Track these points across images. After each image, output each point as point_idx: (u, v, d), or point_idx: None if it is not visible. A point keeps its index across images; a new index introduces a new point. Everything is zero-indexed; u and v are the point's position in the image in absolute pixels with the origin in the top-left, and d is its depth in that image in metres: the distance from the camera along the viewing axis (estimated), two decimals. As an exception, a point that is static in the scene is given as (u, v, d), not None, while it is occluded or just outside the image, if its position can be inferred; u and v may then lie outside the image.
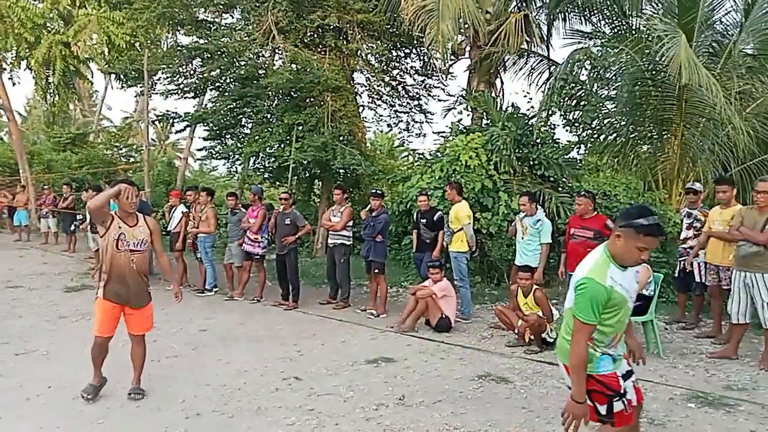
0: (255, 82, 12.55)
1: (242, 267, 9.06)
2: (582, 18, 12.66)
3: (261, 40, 12.67)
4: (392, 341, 6.66)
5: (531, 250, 7.11)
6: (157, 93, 15.22)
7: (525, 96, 17.04)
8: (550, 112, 10.41)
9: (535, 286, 6.51)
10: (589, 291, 2.73)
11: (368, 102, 15.20)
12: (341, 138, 12.43)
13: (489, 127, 10.32)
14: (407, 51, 14.70)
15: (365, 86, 14.82)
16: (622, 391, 2.86)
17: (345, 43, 12.85)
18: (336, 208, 8.43)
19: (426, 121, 15.66)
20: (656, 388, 4.98)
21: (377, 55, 13.97)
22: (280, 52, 13.08)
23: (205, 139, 14.71)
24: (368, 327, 7.29)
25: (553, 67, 12.49)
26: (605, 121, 11.30)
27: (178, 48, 14.17)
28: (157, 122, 19.02)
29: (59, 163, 21.24)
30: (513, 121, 9.98)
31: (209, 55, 13.07)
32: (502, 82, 13.80)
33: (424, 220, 7.95)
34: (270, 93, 12.79)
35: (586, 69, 10.61)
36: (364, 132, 15.15)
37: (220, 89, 14.04)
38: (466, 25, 11.65)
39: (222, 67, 12.93)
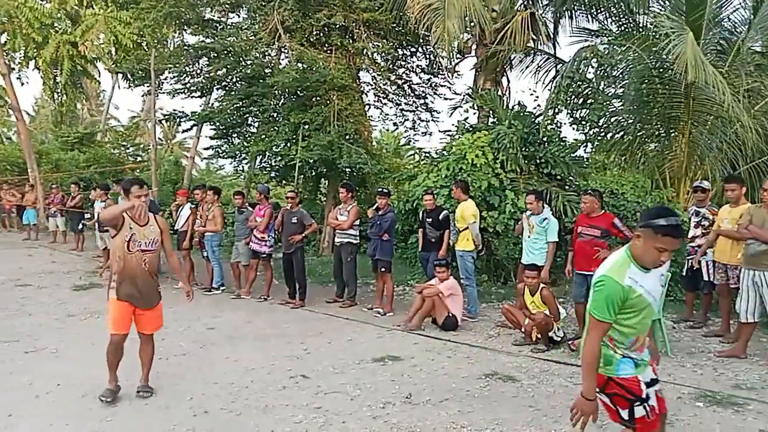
0: (261, 81, 12.58)
1: (249, 265, 9.08)
2: (589, 16, 12.61)
3: (267, 39, 12.70)
4: (399, 340, 6.67)
5: (537, 249, 7.09)
6: (163, 92, 15.37)
7: (531, 94, 17.02)
8: (556, 111, 10.38)
9: (542, 285, 6.50)
10: (606, 289, 2.72)
11: (374, 101, 15.22)
12: (347, 137, 12.43)
13: (495, 126, 10.30)
14: (413, 49, 14.68)
15: (371, 85, 14.84)
16: (643, 396, 2.81)
17: (351, 41, 12.85)
18: (343, 207, 8.44)
19: (432, 120, 15.68)
20: (664, 387, 4.94)
21: (383, 54, 13.96)
22: (286, 51, 13.09)
23: (211, 138, 14.79)
24: (375, 325, 7.30)
25: (560, 65, 12.43)
26: (612, 119, 11.25)
27: (185, 47, 14.24)
28: (164, 121, 19.14)
29: (67, 163, 21.36)
30: (519, 120, 9.96)
31: (216, 55, 13.12)
32: (508, 81, 13.76)
33: (430, 219, 7.95)
34: (276, 92, 12.82)
35: (593, 67, 10.58)
36: (370, 131, 15.16)
37: (227, 88, 14.09)
38: (472, 24, 11.61)
39: (228, 67, 12.97)
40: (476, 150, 9.58)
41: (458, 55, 13.38)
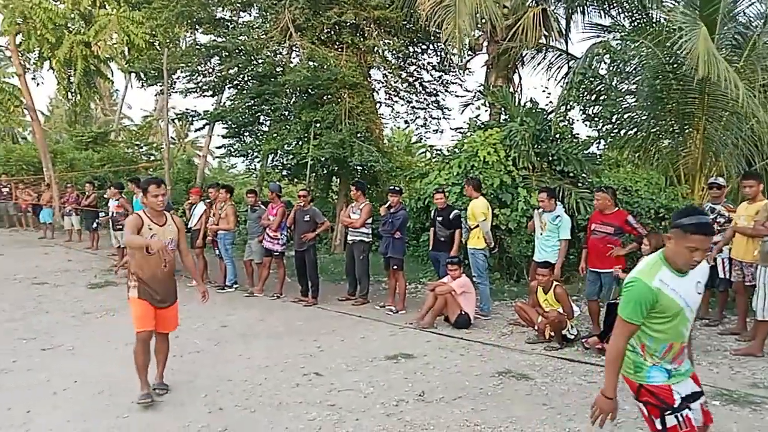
0: (273, 79, 12.63)
1: (262, 263, 9.13)
2: (601, 11, 12.50)
3: (278, 37, 12.74)
4: (411, 337, 6.67)
5: (550, 246, 7.06)
6: (176, 91, 15.42)
7: (543, 91, 16.92)
8: (568, 107, 10.31)
9: (555, 283, 6.47)
10: (634, 290, 2.70)
11: (385, 98, 15.21)
12: (359, 135, 12.45)
13: (507, 123, 10.26)
14: (424, 47, 14.66)
15: (382, 83, 14.83)
16: (675, 405, 2.75)
17: (362, 39, 12.86)
18: (355, 205, 8.45)
19: (443, 117, 15.64)
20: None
21: (394, 52, 13.96)
22: (297, 49, 13.13)
23: (223, 136, 14.87)
24: (387, 323, 7.31)
25: (572, 61, 12.35)
26: (625, 116, 11.14)
27: (197, 47, 14.31)
28: (176, 120, 19.23)
29: (81, 162, 21.56)
30: (531, 117, 9.91)
31: (227, 54, 13.18)
32: (520, 78, 13.69)
33: (440, 218, 7.93)
34: (288, 90, 12.86)
35: (605, 63, 10.49)
36: (381, 129, 15.17)
37: (239, 87, 14.16)
38: (484, 20, 11.56)
39: (240, 65, 13.03)
40: (488, 147, 9.55)
41: (469, 52, 13.34)
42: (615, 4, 12.09)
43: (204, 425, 4.22)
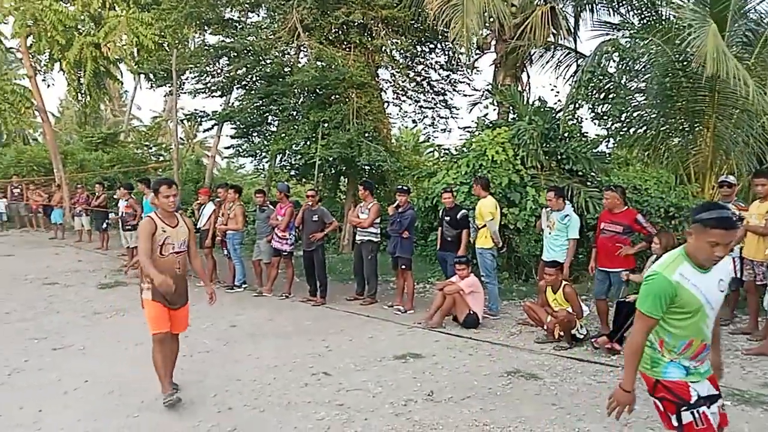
0: (281, 79, 12.65)
1: (270, 263, 9.15)
2: (610, 9, 12.45)
3: (286, 37, 12.77)
4: (420, 337, 6.67)
5: (558, 245, 7.03)
6: (185, 92, 15.52)
7: (552, 90, 16.82)
8: (577, 106, 10.27)
9: (564, 282, 6.44)
10: (654, 284, 2.69)
11: (393, 98, 15.19)
12: (366, 134, 12.45)
13: (515, 122, 10.23)
14: (432, 46, 14.63)
15: (390, 82, 14.82)
16: (692, 402, 2.73)
17: (369, 39, 12.86)
18: (364, 205, 8.45)
19: (451, 117, 15.60)
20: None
21: (402, 51, 13.94)
22: (305, 49, 13.15)
23: (232, 137, 14.91)
24: (395, 323, 7.31)
25: (581, 59, 12.30)
26: (635, 114, 11.08)
27: (205, 47, 14.37)
28: (185, 121, 19.33)
29: (91, 163, 21.72)
30: (540, 115, 9.87)
31: (236, 54, 13.22)
32: (528, 76, 13.66)
33: (448, 218, 7.92)
34: (296, 90, 12.88)
35: (614, 61, 10.43)
36: (389, 128, 15.16)
37: (247, 87, 14.20)
38: (492, 19, 11.53)
39: (248, 66, 13.07)
40: (496, 146, 9.53)
41: (477, 51, 13.32)
42: (624, 2, 12.03)
43: (213, 424, 4.24)
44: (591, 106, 10.39)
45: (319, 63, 12.38)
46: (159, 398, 4.70)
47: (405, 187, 8.46)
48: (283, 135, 12.86)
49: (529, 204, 9.08)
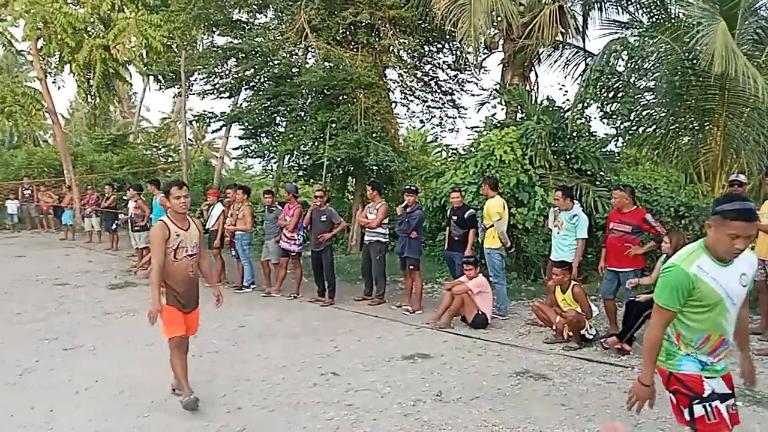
0: (289, 80, 12.70)
1: (279, 264, 9.17)
2: (618, 7, 12.39)
3: (294, 38, 12.82)
4: (428, 337, 6.66)
5: (567, 245, 7.00)
6: (193, 93, 15.62)
7: (560, 89, 16.79)
8: (585, 105, 10.23)
9: (573, 282, 6.41)
10: (670, 275, 2.66)
11: (401, 98, 15.24)
12: (374, 135, 12.47)
13: (524, 121, 10.20)
14: (439, 46, 14.64)
15: (398, 82, 14.86)
16: (705, 395, 2.70)
17: (377, 39, 12.88)
18: (372, 205, 8.46)
19: (459, 116, 15.64)
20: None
21: (409, 51, 13.96)
22: (312, 50, 13.20)
23: (240, 138, 14.99)
24: (404, 323, 7.31)
25: (589, 58, 12.25)
26: (644, 113, 11.02)
27: (214, 49, 14.44)
28: (194, 122, 19.42)
29: (101, 164, 21.88)
30: (548, 115, 9.83)
31: (244, 55, 13.28)
32: (536, 75, 13.63)
33: (455, 217, 7.91)
34: (303, 91, 12.92)
35: (623, 59, 10.39)
36: (396, 128, 15.18)
37: (255, 88, 14.26)
38: (499, 18, 11.51)
39: (256, 67, 13.12)
40: (504, 146, 9.50)
41: (485, 51, 13.29)
42: (633, 0, 11.96)
43: (223, 424, 4.26)
44: (600, 105, 10.35)
45: (326, 63, 12.41)
46: (169, 398, 4.74)
47: (413, 187, 8.45)
48: (291, 136, 12.90)
49: (537, 204, 9.05)
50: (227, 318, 7.38)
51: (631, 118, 10.79)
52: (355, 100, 12.56)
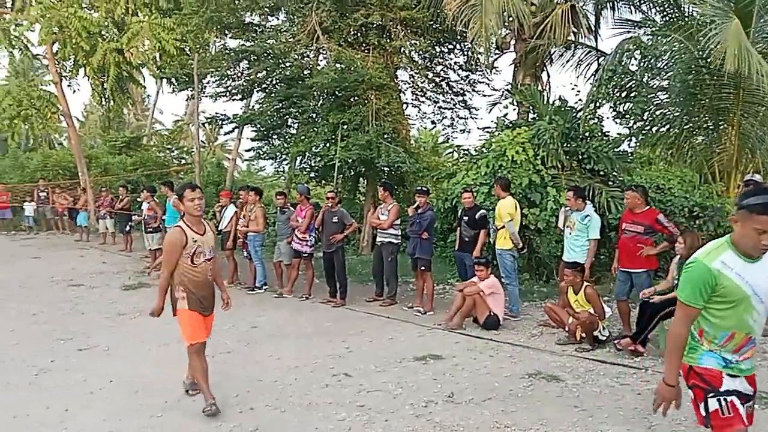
0: (300, 82, 12.74)
1: (291, 265, 9.20)
2: (631, 6, 12.30)
3: (305, 40, 12.86)
4: (440, 338, 6.65)
5: (579, 246, 6.96)
6: (206, 96, 15.68)
7: (573, 89, 16.68)
8: (598, 105, 10.16)
9: (585, 283, 6.38)
10: (692, 271, 2.61)
11: (412, 99, 15.23)
12: (385, 136, 12.48)
13: (536, 121, 10.16)
14: (451, 46, 14.62)
15: (409, 83, 14.85)
16: (721, 390, 2.62)
17: (388, 40, 12.89)
18: (384, 206, 8.46)
19: (470, 117, 15.59)
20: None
21: (420, 52, 13.95)
22: (324, 52, 13.23)
23: (252, 139, 15.06)
24: (415, 324, 7.30)
25: (602, 58, 12.17)
26: (657, 112, 10.93)
27: (226, 51, 14.52)
28: (206, 124, 19.52)
29: (115, 166, 22.06)
30: (560, 115, 9.79)
31: (256, 58, 13.34)
32: (548, 75, 13.60)
33: (466, 218, 7.90)
34: (315, 93, 12.96)
35: (635, 59, 10.30)
36: (408, 129, 15.19)
37: (267, 90, 14.33)
38: (511, 18, 11.47)
39: (268, 69, 13.19)
40: (516, 146, 9.47)
41: (496, 51, 13.27)
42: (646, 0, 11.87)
43: (236, 425, 4.28)
44: (612, 105, 10.28)
45: (338, 65, 12.44)
46: (182, 398, 4.78)
47: (424, 188, 8.46)
48: (303, 137, 12.95)
49: (549, 204, 9.00)
50: (240, 319, 7.41)
51: (645, 117, 10.70)
52: (366, 101, 12.58)
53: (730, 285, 2.55)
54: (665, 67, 10.69)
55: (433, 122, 15.98)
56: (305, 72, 13.07)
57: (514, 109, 12.33)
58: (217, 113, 14.79)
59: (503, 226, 7.51)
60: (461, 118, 15.55)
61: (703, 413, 2.66)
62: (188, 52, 16.91)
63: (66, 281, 10.28)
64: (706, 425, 2.68)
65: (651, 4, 11.89)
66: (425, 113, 15.59)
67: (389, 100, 12.91)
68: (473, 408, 4.54)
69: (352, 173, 14.26)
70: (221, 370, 5.48)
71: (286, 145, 13.91)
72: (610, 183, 9.57)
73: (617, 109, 10.31)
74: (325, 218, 8.59)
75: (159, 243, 10.34)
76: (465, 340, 6.54)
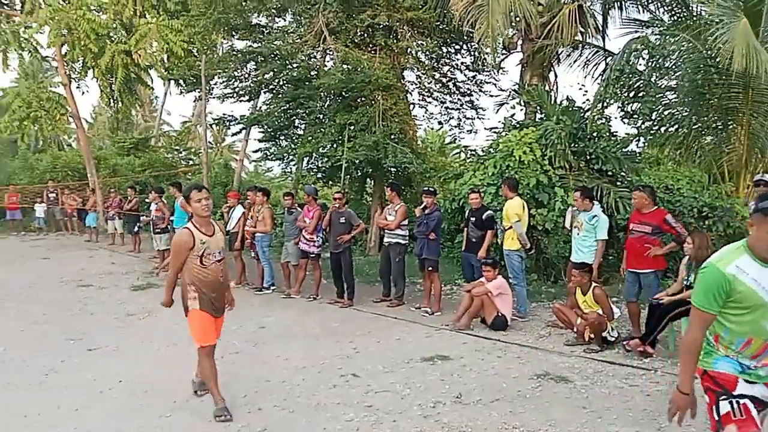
0: (307, 83, 12.78)
1: (298, 265, 9.21)
2: (639, 6, 12.27)
3: (312, 41, 12.90)
4: (447, 339, 6.64)
5: (587, 246, 6.93)
6: (213, 97, 15.77)
7: (580, 89, 16.64)
8: (606, 104, 10.12)
9: (594, 284, 6.35)
10: (705, 275, 2.55)
11: (419, 100, 15.23)
12: (392, 136, 12.48)
13: (543, 122, 10.13)
14: (457, 47, 14.62)
15: (416, 84, 14.85)
16: (734, 393, 2.55)
17: (395, 41, 12.90)
18: (391, 207, 8.46)
19: (477, 117, 15.61)
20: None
21: (427, 52, 13.97)
22: (331, 52, 13.27)
23: (259, 140, 15.11)
24: (423, 325, 7.30)
25: (610, 57, 12.14)
26: (666, 112, 10.87)
27: (233, 53, 14.60)
28: (214, 125, 19.62)
29: (124, 167, 22.20)
30: (568, 115, 9.75)
31: (263, 59, 13.40)
32: (555, 75, 13.52)
33: (473, 218, 7.88)
34: (322, 94, 12.99)
35: (644, 58, 10.26)
36: (415, 130, 15.19)
37: (274, 91, 14.38)
38: (518, 19, 11.46)
39: (275, 70, 13.24)
40: (524, 147, 9.45)
41: (504, 51, 13.26)
42: (654, -1, 11.84)
43: (244, 425, 4.29)
44: (620, 105, 10.24)
45: (345, 66, 12.46)
46: (191, 399, 4.80)
47: (431, 189, 8.44)
48: (310, 138, 12.98)
49: (557, 205, 8.97)
50: (247, 319, 7.44)
51: (653, 117, 10.65)
52: (373, 102, 12.60)
53: (746, 290, 2.49)
54: (673, 67, 10.64)
55: (440, 123, 16.00)
56: (312, 73, 13.11)
57: (522, 110, 12.31)
58: (224, 114, 14.88)
59: (511, 227, 7.49)
60: (468, 118, 15.56)
61: (716, 417, 2.59)
62: (196, 54, 17.00)
63: (75, 282, 10.35)
64: (718, 431, 2.60)
65: (659, 4, 11.85)
66: (432, 114, 15.61)
67: (396, 100, 12.93)
68: (481, 409, 4.53)
69: (359, 174, 14.28)
70: (229, 371, 5.49)
71: (293, 145, 13.94)
72: (618, 183, 9.52)
73: (625, 109, 10.27)
74: (332, 219, 8.60)
75: (167, 243, 10.39)
76: (473, 341, 6.53)
